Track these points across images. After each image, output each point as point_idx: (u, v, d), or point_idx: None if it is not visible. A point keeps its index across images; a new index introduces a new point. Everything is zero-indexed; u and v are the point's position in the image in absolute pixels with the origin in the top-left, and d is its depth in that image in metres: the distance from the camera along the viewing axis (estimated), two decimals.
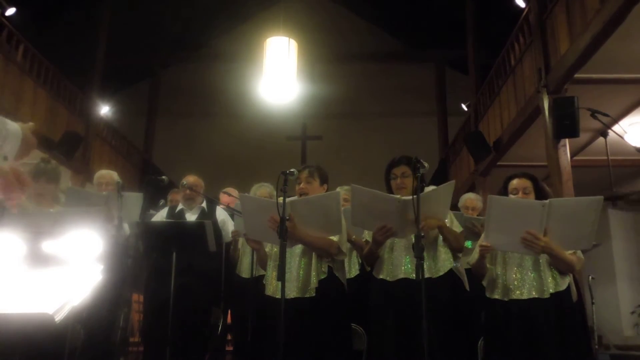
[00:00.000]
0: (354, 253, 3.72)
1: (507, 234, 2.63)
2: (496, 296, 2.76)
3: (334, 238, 2.85)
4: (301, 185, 3.01)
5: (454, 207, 4.10)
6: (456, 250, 2.92)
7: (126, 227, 3.70)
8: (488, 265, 2.82)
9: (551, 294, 2.64)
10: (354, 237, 3.31)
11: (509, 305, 2.69)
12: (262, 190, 4.11)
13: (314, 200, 2.87)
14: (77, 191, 3.80)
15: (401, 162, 2.99)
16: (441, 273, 2.85)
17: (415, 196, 2.55)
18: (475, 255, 2.83)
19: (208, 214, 4.08)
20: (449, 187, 2.84)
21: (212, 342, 4.00)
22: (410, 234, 2.74)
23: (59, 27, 9.87)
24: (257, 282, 3.58)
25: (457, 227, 3.02)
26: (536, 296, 2.65)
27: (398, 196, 2.75)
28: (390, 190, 3.02)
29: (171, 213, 4.12)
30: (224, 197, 4.64)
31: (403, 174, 2.96)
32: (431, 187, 3.44)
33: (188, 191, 4.05)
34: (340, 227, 2.84)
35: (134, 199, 3.67)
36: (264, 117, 11.20)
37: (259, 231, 2.87)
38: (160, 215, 4.13)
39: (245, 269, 4.10)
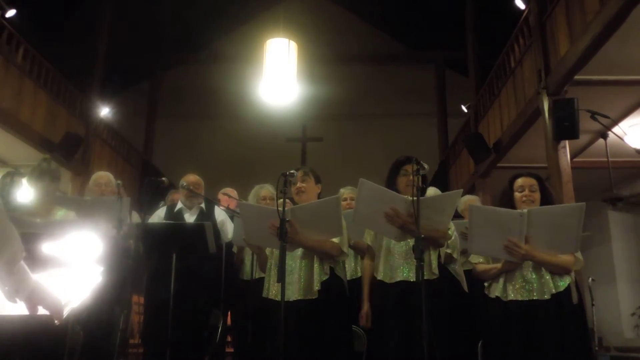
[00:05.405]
0: (354, 255, 3.71)
1: (490, 241, 2.66)
2: (496, 296, 2.76)
3: (335, 240, 2.86)
4: (298, 185, 3.05)
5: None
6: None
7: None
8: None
9: (551, 295, 2.64)
10: (352, 241, 3.31)
11: (508, 305, 2.69)
12: (265, 191, 4.07)
13: (314, 206, 2.89)
14: (62, 199, 3.69)
15: (412, 160, 2.98)
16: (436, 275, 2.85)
17: (414, 198, 2.56)
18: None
19: (207, 215, 4.05)
20: (456, 195, 2.85)
21: (212, 343, 3.99)
22: (410, 237, 2.75)
23: (59, 29, 9.87)
24: (258, 284, 3.58)
25: (453, 234, 3.01)
26: (536, 297, 2.65)
27: (406, 196, 2.75)
28: (393, 188, 3.02)
29: (169, 213, 4.08)
30: (224, 199, 4.62)
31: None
32: (432, 189, 3.42)
33: (189, 192, 4.03)
34: (341, 229, 2.85)
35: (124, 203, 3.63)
36: (264, 118, 11.18)
37: (259, 237, 2.88)
38: (158, 215, 4.09)
39: (245, 271, 4.09)
